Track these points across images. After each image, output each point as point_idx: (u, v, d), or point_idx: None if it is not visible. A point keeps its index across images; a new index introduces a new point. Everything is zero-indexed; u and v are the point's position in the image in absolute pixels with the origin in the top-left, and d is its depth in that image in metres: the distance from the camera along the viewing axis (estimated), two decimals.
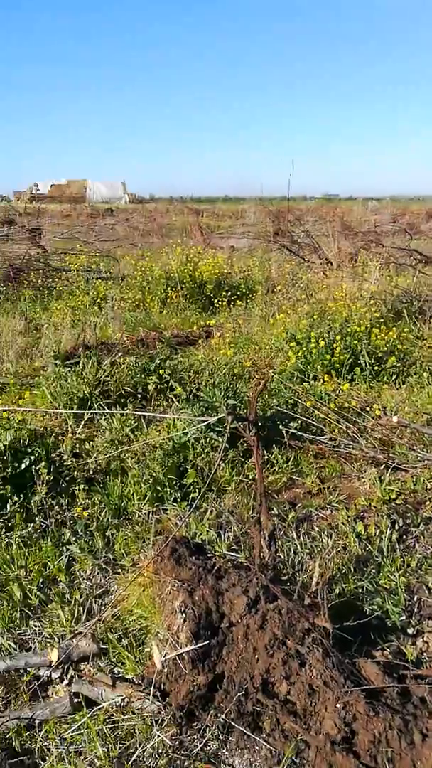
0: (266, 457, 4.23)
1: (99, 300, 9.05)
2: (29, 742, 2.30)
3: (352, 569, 3.16)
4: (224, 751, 2.27)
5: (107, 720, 2.35)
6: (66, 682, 2.57)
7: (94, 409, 4.93)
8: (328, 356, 5.96)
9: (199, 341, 7.37)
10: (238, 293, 9.57)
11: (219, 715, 2.36)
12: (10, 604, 2.98)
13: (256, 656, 2.41)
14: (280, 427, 4.37)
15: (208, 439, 4.16)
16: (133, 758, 2.19)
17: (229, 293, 9.48)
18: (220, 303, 9.19)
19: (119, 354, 5.99)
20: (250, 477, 3.99)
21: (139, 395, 5.33)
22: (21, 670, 2.61)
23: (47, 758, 2.22)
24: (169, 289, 9.49)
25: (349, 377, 5.98)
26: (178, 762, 2.20)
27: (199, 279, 9.66)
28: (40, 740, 2.29)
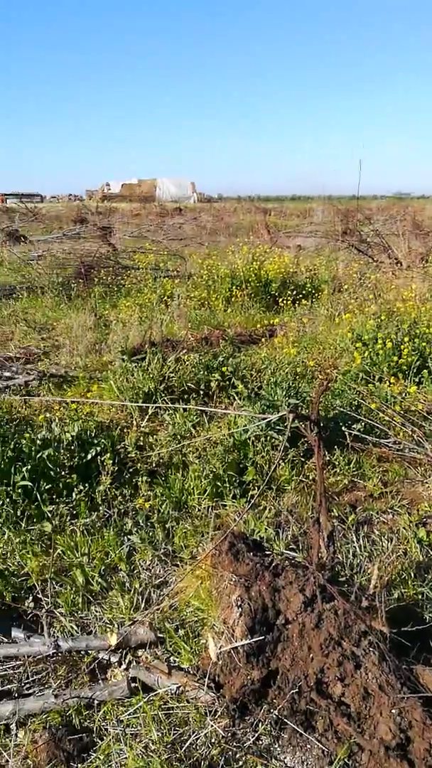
0: (327, 458, 4.20)
1: (165, 298, 9.20)
2: (88, 720, 2.39)
3: (412, 575, 3.10)
4: (276, 746, 2.28)
5: (162, 706, 2.40)
6: (124, 666, 2.65)
7: (158, 404, 5.03)
8: (395, 358, 5.83)
9: (263, 340, 7.37)
10: (304, 292, 9.50)
11: (272, 710, 2.38)
12: (73, 589, 3.09)
13: (311, 655, 2.40)
14: (343, 428, 4.32)
15: (269, 437, 4.17)
16: (186, 745, 2.24)
17: (294, 292, 9.43)
18: (284, 302, 9.16)
19: (183, 351, 6.08)
20: (310, 477, 3.97)
21: (201, 392, 5.39)
22: (82, 652, 2.71)
23: (104, 737, 2.30)
24: (234, 287, 9.54)
25: (417, 380, 5.83)
26: (230, 753, 2.23)
27: (265, 278, 9.66)
28: (98, 720, 2.38)
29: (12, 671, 2.64)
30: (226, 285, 9.65)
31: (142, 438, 4.56)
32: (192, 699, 2.43)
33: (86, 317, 7.96)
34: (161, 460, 4.28)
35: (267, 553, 3.03)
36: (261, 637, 2.45)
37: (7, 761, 2.19)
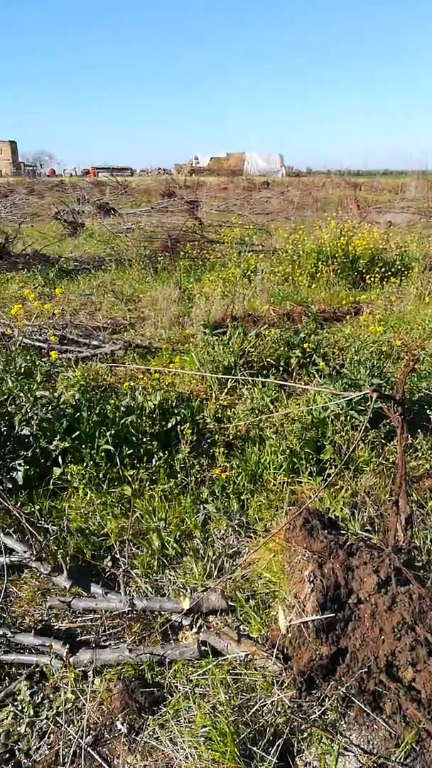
0: (410, 441, 4.07)
1: (249, 272, 9.15)
2: (159, 677, 2.48)
3: None
4: (342, 723, 2.28)
5: (230, 671, 2.46)
6: (195, 630, 2.72)
7: (238, 377, 5.04)
8: None
9: (347, 317, 7.19)
10: (393, 270, 9.15)
11: (339, 688, 2.37)
12: (149, 552, 3.20)
13: (382, 637, 2.37)
14: (428, 411, 4.17)
15: (349, 417, 4.09)
16: (252, 710, 2.28)
17: (383, 269, 9.11)
18: (372, 279, 8.87)
19: (265, 326, 6.05)
20: (390, 460, 3.87)
21: (281, 368, 5.36)
22: (155, 612, 2.81)
23: (174, 694, 2.39)
24: (319, 263, 9.33)
25: None
26: (295, 723, 2.25)
27: (352, 254, 9.38)
28: (169, 677, 2.47)
29: (90, 623, 2.78)
30: (312, 260, 9.46)
31: (220, 410, 4.60)
32: (260, 668, 2.47)
33: (171, 290, 8.07)
34: (238, 433, 4.31)
35: (342, 532, 3.00)
36: (332, 615, 2.44)
37: (84, 705, 2.33)
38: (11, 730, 2.24)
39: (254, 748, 2.12)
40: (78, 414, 3.76)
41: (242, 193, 28.73)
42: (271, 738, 2.18)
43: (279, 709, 2.31)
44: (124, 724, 2.24)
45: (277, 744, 2.14)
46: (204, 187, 29.18)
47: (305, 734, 2.23)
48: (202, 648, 2.57)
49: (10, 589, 2.96)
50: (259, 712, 2.30)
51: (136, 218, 17.37)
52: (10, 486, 3.48)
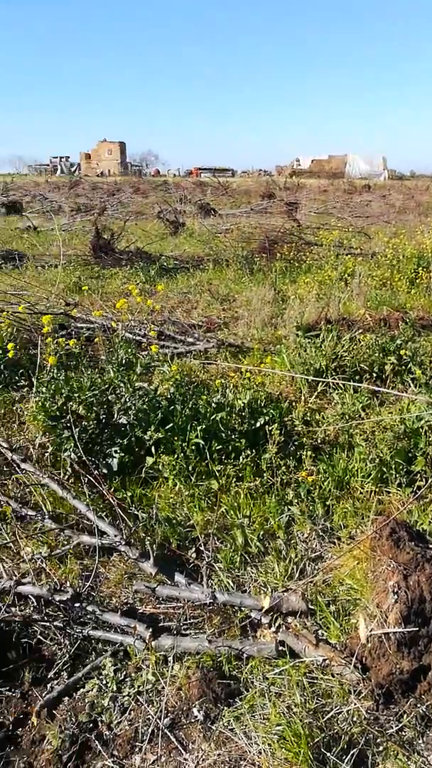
0: None
1: (346, 276, 9.00)
2: (236, 670, 2.52)
3: None
4: (420, 742, 2.22)
5: (307, 674, 2.46)
6: (273, 629, 2.74)
7: (330, 381, 4.99)
8: None
9: None
10: None
11: (419, 705, 2.32)
12: (233, 548, 3.25)
13: None
14: None
15: None
16: (328, 716, 2.28)
17: None
18: None
19: (359, 331, 5.94)
20: None
21: (374, 374, 5.24)
22: (236, 608, 2.85)
23: (250, 689, 2.42)
24: (420, 269, 9.03)
25: None
26: (371, 736, 2.22)
27: None
28: (246, 672, 2.50)
29: (172, 611, 2.87)
30: (412, 265, 9.16)
31: (309, 413, 4.58)
32: (337, 674, 2.45)
33: (265, 291, 8.10)
34: (327, 438, 4.27)
35: (430, 546, 2.91)
36: (415, 629, 2.38)
37: (163, 688, 2.41)
38: (95, 701, 2.37)
39: (328, 754, 2.11)
40: (172, 407, 3.88)
41: (342, 195, 28.26)
42: (345, 746, 2.16)
43: (355, 719, 2.28)
44: (201, 712, 2.30)
45: (351, 753, 2.13)
46: (304, 189, 28.97)
47: (381, 748, 2.19)
48: (280, 648, 2.59)
49: (100, 570, 3.11)
50: (334, 719, 2.28)
51: (235, 219, 17.55)
52: (105, 471, 3.65)
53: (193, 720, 2.29)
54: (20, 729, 2.30)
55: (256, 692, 2.40)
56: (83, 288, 7.95)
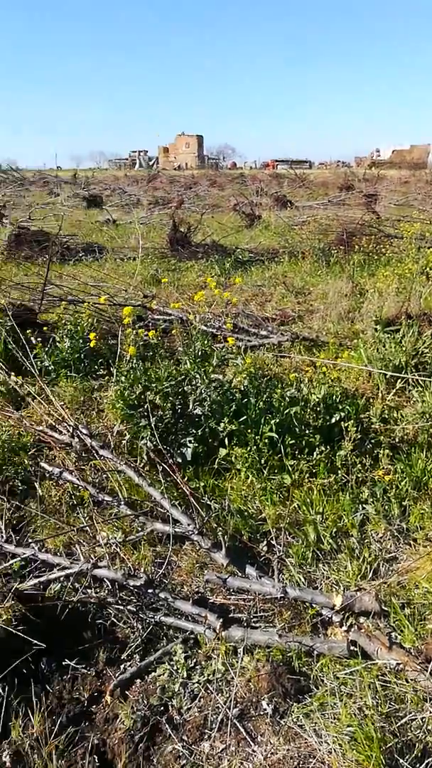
0: None
1: (428, 269, 8.67)
2: (306, 667, 2.50)
3: None
4: None
5: (379, 677, 2.40)
6: (345, 628, 2.69)
7: (410, 377, 4.83)
8: None
9: None
10: None
11: None
12: (304, 543, 3.21)
13: None
14: None
15: None
16: (401, 722, 2.21)
17: None
18: None
19: None
20: None
21: None
22: (306, 604, 2.82)
23: (320, 687, 2.39)
24: None
25: None
26: None
27: None
28: (316, 670, 2.47)
29: (243, 603, 2.88)
30: None
31: (386, 411, 4.45)
32: (411, 680, 2.38)
33: (342, 284, 7.94)
34: (405, 437, 4.14)
35: None
36: None
37: (233, 678, 2.42)
38: (166, 686, 2.41)
39: (401, 760, 2.05)
40: (246, 400, 3.87)
41: (425, 186, 27.20)
42: (419, 754, 2.09)
43: (430, 727, 2.21)
44: (270, 705, 2.30)
45: (426, 762, 2.06)
46: (384, 180, 28.13)
47: None
48: (352, 648, 2.54)
49: (172, 558, 3.16)
50: (408, 726, 2.22)
51: (312, 211, 17.29)
52: (179, 461, 3.70)
53: (262, 713, 2.29)
54: (94, 706, 2.38)
55: (326, 691, 2.37)
56: (163, 280, 8.06)
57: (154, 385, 3.86)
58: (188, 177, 37.73)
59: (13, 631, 2.46)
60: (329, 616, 2.76)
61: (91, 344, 4.65)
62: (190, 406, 3.77)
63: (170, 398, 3.85)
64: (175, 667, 2.49)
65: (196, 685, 2.42)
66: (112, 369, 5.31)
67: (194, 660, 2.54)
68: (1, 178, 34.86)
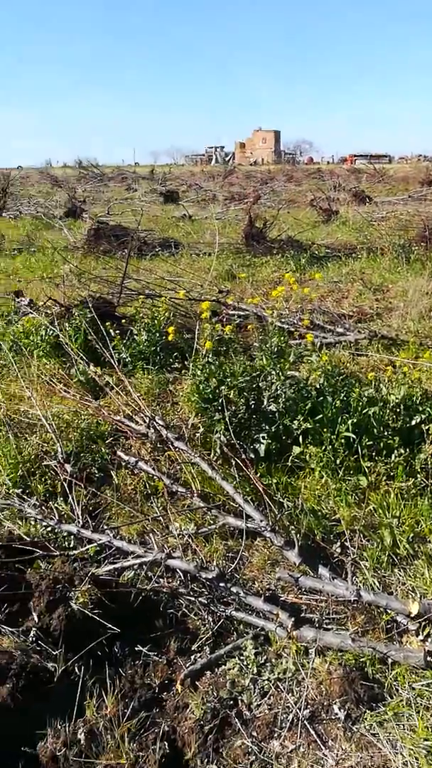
0: None
1: None
2: (379, 674, 2.43)
3: None
4: None
5: None
6: (421, 637, 2.60)
7: None
8: None
9: None
10: None
11: None
12: (379, 547, 3.12)
13: None
14: None
15: None
16: None
17: None
18: None
19: None
20: None
21: None
22: (381, 609, 2.74)
23: (394, 696, 2.32)
24: None
25: None
26: None
27: None
28: (390, 678, 2.39)
29: (314, 603, 2.83)
30: None
31: None
32: None
33: (424, 282, 7.67)
34: None
35: None
36: None
37: (303, 678, 2.39)
38: (236, 680, 2.41)
39: None
40: (321, 398, 3.81)
41: None
42: None
43: None
44: (342, 710, 2.25)
45: None
46: None
47: None
48: (428, 658, 2.44)
49: (243, 554, 3.15)
50: None
51: (392, 207, 16.80)
52: (252, 456, 3.69)
53: (333, 717, 2.25)
54: (165, 693, 2.41)
55: (401, 701, 2.29)
56: (241, 276, 8.04)
57: (229, 379, 3.86)
58: (264, 172, 37.55)
59: (89, 614, 2.53)
60: (405, 623, 2.67)
61: (169, 337, 4.71)
62: (265, 402, 3.74)
63: (245, 393, 3.84)
64: (245, 663, 2.49)
65: (266, 682, 2.41)
66: (186, 362, 5.37)
67: (264, 657, 2.53)
68: (82, 174, 35.95)
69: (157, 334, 5.47)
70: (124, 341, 5.46)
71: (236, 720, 2.26)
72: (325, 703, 2.30)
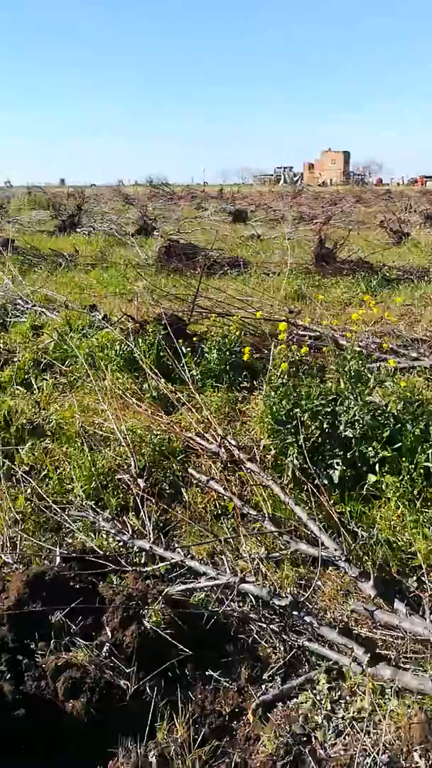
0: None
1: None
2: None
3: None
4: None
5: None
6: None
7: None
8: None
9: None
10: None
11: None
12: None
13: None
14: None
15: None
16: None
17: None
18: None
19: None
20: None
21: None
22: None
23: None
24: None
25: None
26: None
27: None
28: None
29: (390, 639, 2.72)
30: None
31: None
32: None
33: None
34: None
35: None
36: None
37: (380, 720, 2.29)
38: (309, 715, 2.33)
39: None
40: (400, 425, 3.69)
41: None
42: None
43: None
44: (423, 759, 2.13)
45: None
46: None
47: None
48: None
49: (316, 582, 3.07)
50: None
51: None
52: (325, 482, 3.61)
53: (413, 765, 2.13)
54: (235, 722, 2.36)
55: None
56: (317, 297, 7.92)
57: (303, 402, 3.81)
58: (333, 193, 37.41)
59: (162, 634, 2.52)
60: None
61: (245, 357, 4.71)
62: (341, 427, 3.66)
63: (319, 417, 3.78)
64: (318, 697, 2.41)
65: (340, 720, 2.32)
66: (255, 382, 5.35)
67: (338, 692, 2.44)
68: (153, 192, 36.87)
69: (228, 353, 5.48)
70: (195, 358, 5.50)
71: (310, 758, 2.18)
72: (404, 750, 2.19)
